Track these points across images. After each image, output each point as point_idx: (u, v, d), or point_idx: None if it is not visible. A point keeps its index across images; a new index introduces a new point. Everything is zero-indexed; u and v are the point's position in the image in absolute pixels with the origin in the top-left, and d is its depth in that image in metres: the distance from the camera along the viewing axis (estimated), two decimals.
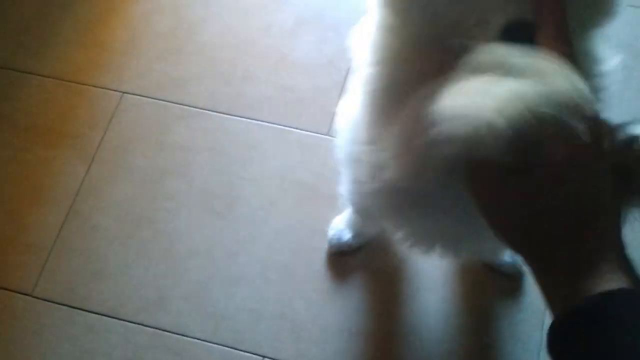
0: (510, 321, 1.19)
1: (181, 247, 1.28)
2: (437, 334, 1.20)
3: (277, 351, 1.18)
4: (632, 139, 0.46)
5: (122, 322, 1.22)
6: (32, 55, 1.50)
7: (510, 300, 1.21)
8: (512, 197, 0.45)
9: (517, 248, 0.47)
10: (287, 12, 1.53)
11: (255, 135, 1.39)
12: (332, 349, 1.19)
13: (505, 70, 0.43)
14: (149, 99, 1.44)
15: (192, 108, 1.42)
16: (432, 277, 1.23)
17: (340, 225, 1.23)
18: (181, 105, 1.43)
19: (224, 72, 1.46)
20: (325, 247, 1.25)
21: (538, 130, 0.40)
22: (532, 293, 1.21)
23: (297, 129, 1.38)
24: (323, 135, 1.36)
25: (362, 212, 1.08)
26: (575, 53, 0.46)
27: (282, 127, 1.39)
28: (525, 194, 0.44)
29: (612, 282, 0.41)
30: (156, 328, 1.21)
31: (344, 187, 0.96)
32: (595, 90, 0.56)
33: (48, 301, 1.24)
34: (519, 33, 0.47)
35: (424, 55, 0.56)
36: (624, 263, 0.43)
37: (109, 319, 1.22)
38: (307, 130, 1.38)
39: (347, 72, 1.42)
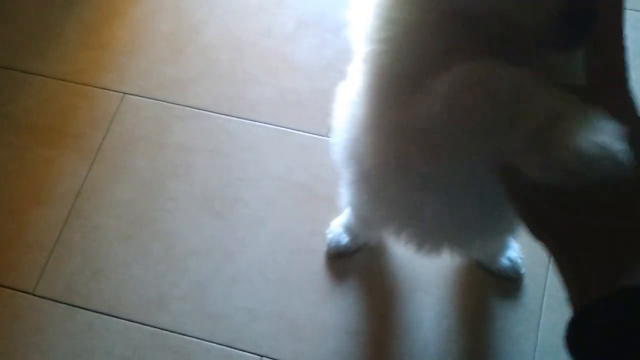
0: (506, 322, 1.20)
1: (181, 247, 1.29)
2: (433, 334, 1.21)
3: (276, 351, 1.19)
4: None
5: (121, 320, 1.23)
6: (34, 55, 1.51)
7: (506, 301, 1.22)
8: (561, 209, 0.45)
9: (547, 243, 0.48)
10: (288, 14, 1.54)
11: (255, 136, 1.40)
12: (329, 348, 1.20)
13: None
14: (150, 100, 1.45)
15: (192, 109, 1.43)
16: (428, 278, 1.24)
17: (338, 228, 1.24)
18: (181, 106, 1.44)
19: (225, 73, 1.48)
20: (323, 248, 1.26)
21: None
22: (529, 294, 1.22)
23: (296, 130, 1.39)
24: (322, 137, 1.37)
25: (362, 216, 1.07)
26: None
27: (281, 128, 1.40)
28: (577, 210, 0.44)
29: None
30: (155, 327, 1.22)
31: (344, 189, 0.96)
32: None
33: (49, 299, 1.25)
34: (582, 21, 0.46)
35: (447, 31, 0.53)
36: None
37: (109, 317, 1.23)
38: (306, 132, 1.39)
39: (346, 74, 1.43)
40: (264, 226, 1.31)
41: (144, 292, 1.25)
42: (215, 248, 1.29)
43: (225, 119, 1.42)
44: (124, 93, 1.46)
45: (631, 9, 1.48)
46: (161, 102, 1.45)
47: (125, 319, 1.23)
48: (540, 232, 0.48)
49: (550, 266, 1.23)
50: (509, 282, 1.23)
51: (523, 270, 1.22)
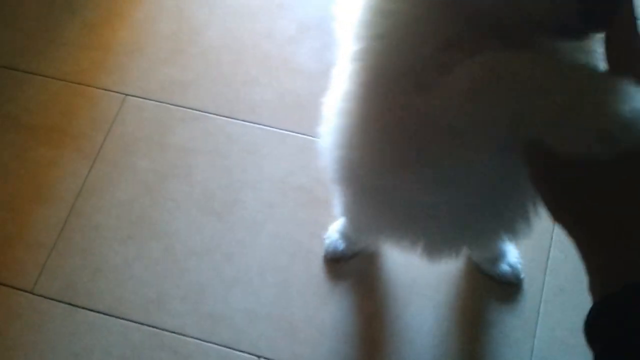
0: (503, 327, 1.21)
1: (181, 248, 1.30)
2: (430, 338, 1.21)
3: (274, 352, 1.20)
4: None
5: (121, 320, 1.23)
6: (35, 55, 1.52)
7: (503, 306, 1.23)
8: (588, 188, 0.44)
9: (568, 226, 0.47)
10: (289, 17, 1.55)
11: (255, 138, 1.40)
12: (327, 350, 1.20)
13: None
14: (151, 101, 1.45)
15: (193, 111, 1.44)
16: (427, 282, 1.25)
17: (335, 234, 1.25)
18: (182, 108, 1.45)
19: (226, 75, 1.48)
20: (322, 251, 1.27)
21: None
22: (527, 299, 1.23)
23: (296, 133, 1.40)
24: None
25: (356, 223, 1.06)
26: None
27: (282, 131, 1.41)
28: (604, 192, 0.44)
29: None
30: (154, 327, 1.23)
31: (337, 198, 0.94)
32: None
33: (48, 298, 1.26)
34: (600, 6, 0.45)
35: (448, 25, 0.51)
36: None
37: (108, 317, 1.24)
38: (306, 135, 1.39)
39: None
40: (263, 228, 1.31)
41: (143, 292, 1.26)
42: (214, 249, 1.30)
43: (226, 121, 1.43)
44: (125, 94, 1.46)
45: None
46: (162, 104, 1.45)
47: (125, 319, 1.24)
48: (563, 213, 0.47)
49: (548, 271, 1.24)
50: (507, 287, 1.23)
51: (522, 275, 1.23)
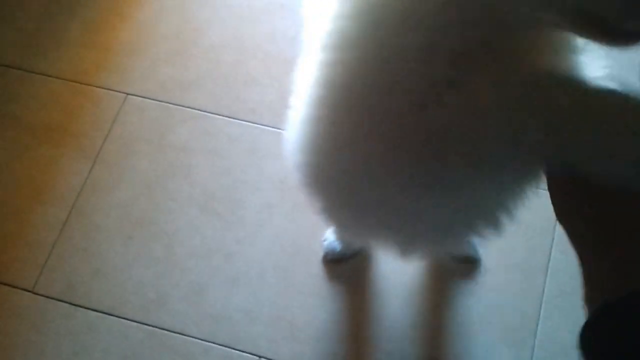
0: (504, 328, 1.21)
1: (181, 248, 1.30)
2: (432, 337, 1.21)
3: (274, 352, 1.20)
4: None
5: (121, 320, 1.23)
6: (37, 55, 1.52)
7: (504, 307, 1.23)
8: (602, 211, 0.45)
9: (578, 239, 0.47)
10: (291, 18, 1.55)
11: (256, 138, 1.40)
12: (327, 350, 1.20)
13: None
14: (152, 101, 1.46)
15: (194, 110, 1.44)
16: (427, 282, 1.25)
17: (332, 236, 1.25)
18: (183, 108, 1.45)
19: (227, 76, 1.48)
20: (322, 251, 1.27)
21: None
22: (527, 300, 1.22)
23: None
24: None
25: (332, 223, 1.04)
26: None
27: (282, 131, 1.40)
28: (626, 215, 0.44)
29: None
30: (155, 327, 1.23)
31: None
32: None
33: (48, 298, 1.26)
34: None
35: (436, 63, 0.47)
36: None
37: (109, 316, 1.24)
38: None
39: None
40: (263, 228, 1.31)
41: (143, 292, 1.26)
42: (214, 249, 1.30)
43: (227, 121, 1.43)
44: (127, 94, 1.46)
45: None
46: (163, 104, 1.45)
47: (125, 319, 1.23)
48: (570, 219, 0.47)
49: (549, 272, 1.24)
50: (509, 288, 1.23)
51: (480, 252, 1.24)
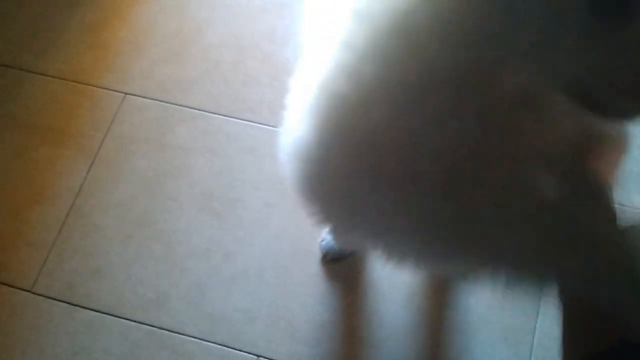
0: (502, 326, 1.21)
1: (180, 247, 1.30)
2: (431, 337, 1.21)
3: (272, 351, 1.20)
4: None
5: (120, 319, 1.23)
6: (36, 54, 1.52)
7: (502, 305, 1.22)
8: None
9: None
10: (290, 17, 1.55)
11: (255, 138, 1.40)
12: (326, 349, 1.20)
13: None
14: (151, 100, 1.45)
15: (193, 110, 1.44)
16: (427, 281, 1.25)
17: (328, 235, 1.24)
18: (182, 107, 1.45)
19: (226, 75, 1.48)
20: (320, 250, 1.27)
21: None
22: (526, 299, 1.22)
23: None
24: None
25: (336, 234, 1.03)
26: None
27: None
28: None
29: None
30: (154, 326, 1.23)
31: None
32: None
33: (47, 297, 1.26)
34: None
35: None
36: None
37: (108, 316, 1.24)
38: None
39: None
40: (263, 227, 1.31)
41: (143, 292, 1.26)
42: (214, 248, 1.30)
43: (226, 120, 1.43)
44: (125, 93, 1.46)
45: None
46: (162, 103, 1.45)
47: (124, 318, 1.24)
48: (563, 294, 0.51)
49: None
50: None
51: None
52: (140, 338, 1.22)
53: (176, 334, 1.22)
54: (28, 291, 1.26)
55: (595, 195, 0.50)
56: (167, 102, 1.45)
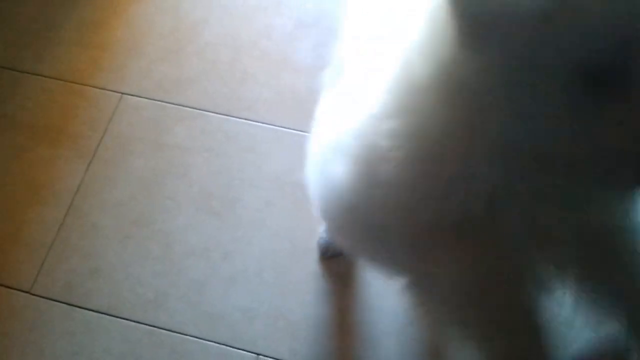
0: None
1: (179, 247, 1.30)
2: (432, 332, 1.21)
3: (272, 349, 1.19)
4: None
5: (119, 319, 1.23)
6: (32, 55, 1.52)
7: None
8: None
9: None
10: (286, 15, 1.55)
11: (253, 136, 1.40)
12: (325, 347, 1.20)
13: None
14: (148, 100, 1.45)
15: (190, 109, 1.44)
16: None
17: (325, 234, 1.24)
18: (180, 106, 1.44)
19: (223, 73, 1.48)
20: (319, 249, 1.27)
21: None
22: None
23: (294, 130, 1.40)
24: None
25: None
26: None
27: (279, 128, 1.40)
28: None
29: None
30: (153, 326, 1.22)
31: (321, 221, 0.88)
32: None
33: (46, 298, 1.25)
34: None
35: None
36: None
37: (107, 316, 1.23)
38: (304, 132, 1.39)
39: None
40: (262, 226, 1.31)
41: (141, 291, 1.26)
42: (213, 248, 1.29)
43: (223, 119, 1.42)
44: (122, 93, 1.46)
45: None
46: (159, 102, 1.45)
47: (123, 318, 1.23)
48: None
49: None
50: None
51: None
52: (139, 338, 1.21)
53: (175, 334, 1.21)
54: (27, 292, 1.26)
55: None
56: (165, 102, 1.45)
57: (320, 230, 1.26)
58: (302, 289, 1.25)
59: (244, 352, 1.19)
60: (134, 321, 1.23)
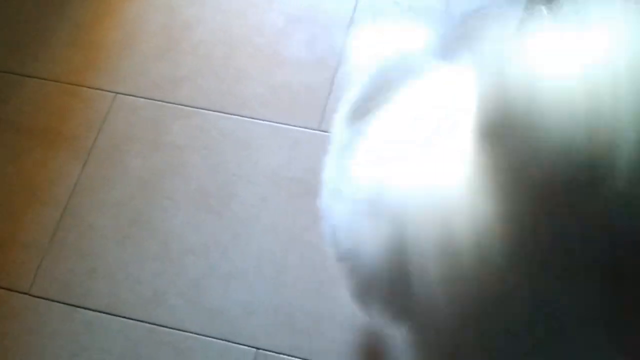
0: None
1: (176, 244, 1.30)
2: None
3: (272, 344, 1.19)
4: None
5: (119, 318, 1.23)
6: (26, 57, 1.52)
7: None
8: None
9: None
10: (278, 10, 1.55)
11: (248, 132, 1.40)
12: (325, 340, 1.20)
13: None
14: (143, 99, 1.45)
15: (185, 107, 1.44)
16: None
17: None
18: (174, 105, 1.44)
19: (217, 71, 1.48)
20: (318, 241, 1.27)
21: None
22: None
23: (288, 125, 1.40)
24: (314, 131, 1.38)
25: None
26: None
27: (274, 124, 1.41)
28: None
29: None
30: (153, 323, 1.22)
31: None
32: None
33: (45, 299, 1.26)
34: None
35: None
36: None
37: (106, 315, 1.24)
38: (298, 127, 1.39)
39: (337, 69, 1.44)
40: (259, 221, 1.31)
41: (140, 290, 1.26)
42: (211, 244, 1.29)
43: (218, 116, 1.42)
44: (116, 92, 1.46)
45: None
46: (154, 101, 1.45)
47: (123, 317, 1.23)
48: None
49: None
50: None
51: None
52: (140, 336, 1.22)
53: (176, 331, 1.22)
54: (25, 293, 1.26)
55: None
56: (159, 100, 1.45)
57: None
58: (300, 282, 1.25)
59: (244, 346, 1.20)
60: (134, 319, 1.23)
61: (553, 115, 0.46)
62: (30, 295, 1.26)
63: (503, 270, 0.50)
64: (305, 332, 1.20)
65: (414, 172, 0.57)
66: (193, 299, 1.24)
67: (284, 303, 1.23)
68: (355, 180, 0.66)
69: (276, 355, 1.18)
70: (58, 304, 1.25)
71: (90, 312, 1.24)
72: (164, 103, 1.45)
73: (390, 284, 0.63)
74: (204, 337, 1.21)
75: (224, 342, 1.20)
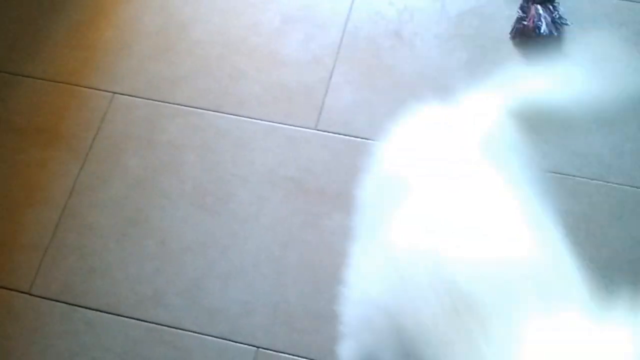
0: None
1: (175, 244, 1.31)
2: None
3: (271, 342, 1.21)
4: None
5: (118, 317, 1.24)
6: (23, 57, 1.52)
7: None
8: None
9: None
10: (274, 10, 1.56)
11: (245, 132, 1.41)
12: (324, 338, 1.21)
13: None
14: (140, 99, 1.46)
15: (181, 106, 1.45)
16: None
17: None
18: (171, 104, 1.45)
19: (213, 70, 1.49)
20: (315, 239, 1.28)
21: None
22: None
23: (285, 124, 1.41)
24: (310, 130, 1.39)
25: None
26: None
27: (270, 123, 1.41)
28: None
29: None
30: (152, 322, 1.23)
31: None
32: None
33: (45, 299, 1.26)
34: None
35: None
36: None
37: (106, 314, 1.25)
38: (295, 126, 1.40)
39: (333, 67, 1.45)
40: (256, 220, 1.32)
41: (140, 289, 1.27)
42: (209, 243, 1.30)
43: (215, 116, 1.43)
44: (114, 92, 1.47)
45: None
46: (150, 101, 1.46)
47: (122, 316, 1.24)
48: None
49: None
50: None
51: None
52: (139, 335, 1.23)
53: (175, 329, 1.23)
54: (26, 293, 1.27)
55: None
56: (156, 100, 1.45)
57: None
58: (299, 280, 1.26)
59: (243, 345, 1.21)
60: (134, 318, 1.24)
61: None
62: (30, 295, 1.27)
63: None
64: (303, 330, 1.22)
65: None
66: (192, 297, 1.25)
67: (283, 301, 1.24)
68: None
69: (276, 353, 1.20)
70: (58, 303, 1.26)
71: (90, 311, 1.25)
72: (161, 103, 1.45)
73: None
74: (203, 336, 1.22)
75: (224, 340, 1.21)
